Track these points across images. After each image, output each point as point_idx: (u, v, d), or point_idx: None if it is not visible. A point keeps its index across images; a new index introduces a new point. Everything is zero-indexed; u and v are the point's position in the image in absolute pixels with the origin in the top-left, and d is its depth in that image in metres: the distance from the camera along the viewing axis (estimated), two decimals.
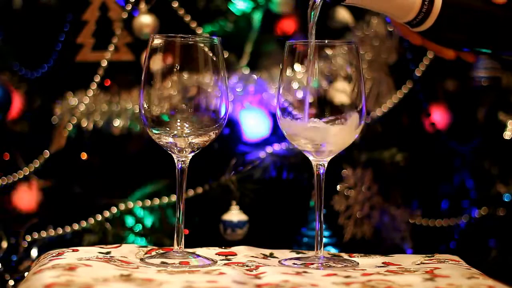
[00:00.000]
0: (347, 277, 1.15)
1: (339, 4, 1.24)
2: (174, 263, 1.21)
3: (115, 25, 1.59)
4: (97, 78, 1.58)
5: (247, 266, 1.22)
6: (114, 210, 1.56)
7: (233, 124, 1.61)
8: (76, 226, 1.56)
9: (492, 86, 1.90)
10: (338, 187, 1.61)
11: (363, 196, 1.62)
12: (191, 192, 1.56)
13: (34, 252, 1.54)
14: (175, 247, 1.25)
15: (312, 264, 1.23)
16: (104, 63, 1.58)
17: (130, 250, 1.29)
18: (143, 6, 1.59)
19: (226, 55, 1.58)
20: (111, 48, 1.59)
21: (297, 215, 1.61)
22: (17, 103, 1.74)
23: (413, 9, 1.24)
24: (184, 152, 1.24)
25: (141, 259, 1.24)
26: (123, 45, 1.60)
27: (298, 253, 1.34)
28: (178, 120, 1.22)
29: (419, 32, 1.27)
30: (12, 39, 1.75)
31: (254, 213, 1.54)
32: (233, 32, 1.67)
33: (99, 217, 1.55)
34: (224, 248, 1.33)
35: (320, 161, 1.25)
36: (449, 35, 1.27)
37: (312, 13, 1.21)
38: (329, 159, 1.25)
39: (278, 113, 1.24)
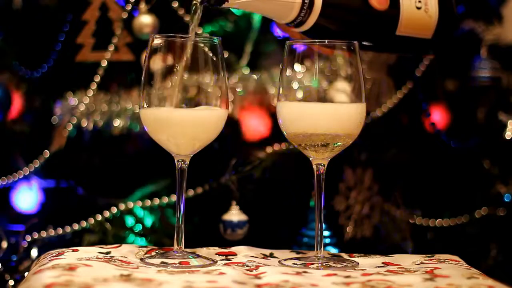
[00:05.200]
0: (347, 277, 1.15)
1: (219, 6, 1.23)
2: (174, 263, 1.21)
3: (115, 25, 1.59)
4: (97, 78, 1.58)
5: (247, 266, 1.22)
6: (114, 210, 1.56)
7: (233, 124, 1.61)
8: (76, 226, 1.55)
9: (492, 86, 1.90)
10: (338, 187, 1.61)
11: (363, 196, 1.62)
12: (191, 192, 1.56)
13: (34, 252, 1.54)
14: (175, 247, 1.25)
15: (312, 264, 1.23)
16: (104, 63, 1.58)
17: (130, 250, 1.29)
18: (143, 6, 1.59)
19: (226, 55, 1.58)
20: (111, 48, 1.59)
21: (297, 215, 1.61)
22: (17, 103, 1.74)
23: (292, 11, 1.24)
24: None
25: (141, 259, 1.24)
26: (123, 45, 1.60)
27: (298, 253, 1.34)
28: None
29: (301, 32, 1.28)
30: (12, 39, 1.75)
31: (254, 213, 1.54)
32: (233, 32, 1.67)
33: (99, 217, 1.55)
34: (224, 248, 1.33)
35: (320, 161, 1.25)
36: (329, 37, 1.26)
37: (195, 17, 1.22)
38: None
39: None
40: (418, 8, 1.29)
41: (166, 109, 1.21)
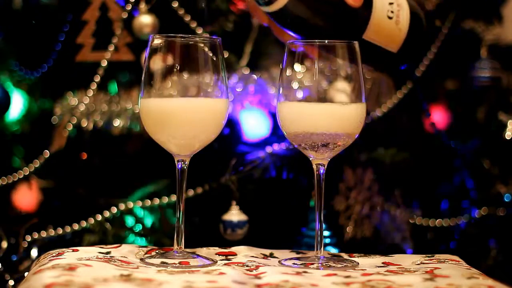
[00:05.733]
0: (347, 277, 1.15)
1: None
2: (174, 263, 1.21)
3: (115, 25, 1.59)
4: (97, 78, 1.58)
5: (247, 266, 1.22)
6: (114, 210, 1.56)
7: (233, 124, 1.61)
8: (76, 226, 1.55)
9: (492, 86, 1.90)
10: (338, 187, 1.61)
11: (363, 196, 1.62)
12: (191, 192, 1.56)
13: (34, 252, 1.54)
14: (175, 247, 1.25)
15: (312, 264, 1.23)
16: (104, 63, 1.58)
17: (130, 250, 1.29)
18: (143, 6, 1.59)
19: (226, 55, 1.58)
20: (111, 48, 1.59)
21: (297, 215, 1.61)
22: (17, 103, 1.74)
23: None
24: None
25: (141, 259, 1.24)
26: (123, 45, 1.60)
27: (298, 253, 1.34)
28: None
29: (268, 12, 1.26)
30: (12, 39, 1.75)
31: (254, 213, 1.54)
32: (233, 32, 1.67)
33: (99, 217, 1.55)
34: (224, 248, 1.33)
35: (320, 161, 1.26)
36: (296, 23, 1.25)
37: None
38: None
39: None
40: (390, 17, 1.27)
41: (167, 98, 1.21)
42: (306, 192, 1.56)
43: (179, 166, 1.25)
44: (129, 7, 1.59)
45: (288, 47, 1.24)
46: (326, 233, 1.56)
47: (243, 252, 1.31)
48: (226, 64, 1.25)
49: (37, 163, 1.61)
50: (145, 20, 1.58)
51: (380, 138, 1.71)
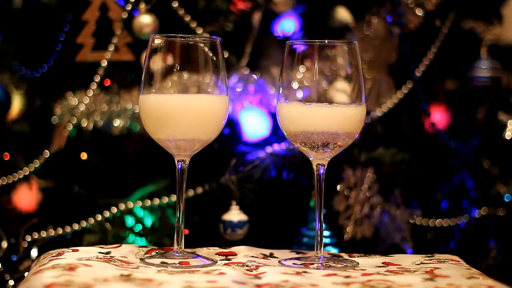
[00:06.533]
0: (347, 277, 1.15)
1: None
2: (174, 263, 1.21)
3: (115, 25, 1.59)
4: (97, 78, 1.58)
5: (247, 266, 1.22)
6: (114, 210, 1.56)
7: (233, 124, 1.61)
8: (76, 226, 1.56)
9: (492, 86, 1.90)
10: (338, 187, 1.61)
11: (363, 196, 1.62)
12: (191, 192, 1.56)
13: (34, 252, 1.54)
14: (175, 247, 1.25)
15: (312, 264, 1.23)
16: (104, 63, 1.58)
17: (130, 250, 1.29)
18: (143, 6, 1.59)
19: (226, 55, 1.58)
20: (111, 48, 1.59)
21: (297, 215, 1.61)
22: (17, 103, 1.74)
23: None
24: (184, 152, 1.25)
25: (141, 259, 1.24)
26: (123, 45, 1.60)
27: (298, 253, 1.34)
28: None
29: None
30: (12, 39, 1.75)
31: (254, 213, 1.54)
32: (233, 32, 1.67)
33: (99, 217, 1.55)
34: (224, 248, 1.33)
35: (320, 161, 1.26)
36: None
37: None
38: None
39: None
40: None
41: (167, 98, 1.21)
42: (306, 192, 1.56)
43: (179, 166, 1.25)
44: (129, 7, 1.59)
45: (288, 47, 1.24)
46: (326, 233, 1.56)
47: (243, 252, 1.31)
48: (226, 64, 1.25)
49: (37, 163, 1.61)
50: (145, 20, 1.58)
51: (380, 138, 1.71)
